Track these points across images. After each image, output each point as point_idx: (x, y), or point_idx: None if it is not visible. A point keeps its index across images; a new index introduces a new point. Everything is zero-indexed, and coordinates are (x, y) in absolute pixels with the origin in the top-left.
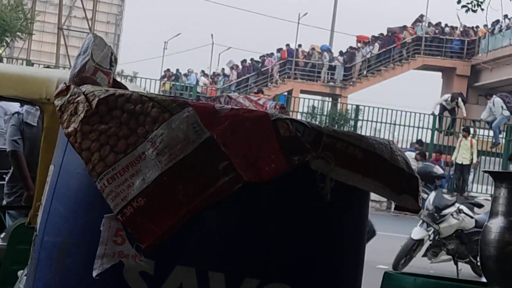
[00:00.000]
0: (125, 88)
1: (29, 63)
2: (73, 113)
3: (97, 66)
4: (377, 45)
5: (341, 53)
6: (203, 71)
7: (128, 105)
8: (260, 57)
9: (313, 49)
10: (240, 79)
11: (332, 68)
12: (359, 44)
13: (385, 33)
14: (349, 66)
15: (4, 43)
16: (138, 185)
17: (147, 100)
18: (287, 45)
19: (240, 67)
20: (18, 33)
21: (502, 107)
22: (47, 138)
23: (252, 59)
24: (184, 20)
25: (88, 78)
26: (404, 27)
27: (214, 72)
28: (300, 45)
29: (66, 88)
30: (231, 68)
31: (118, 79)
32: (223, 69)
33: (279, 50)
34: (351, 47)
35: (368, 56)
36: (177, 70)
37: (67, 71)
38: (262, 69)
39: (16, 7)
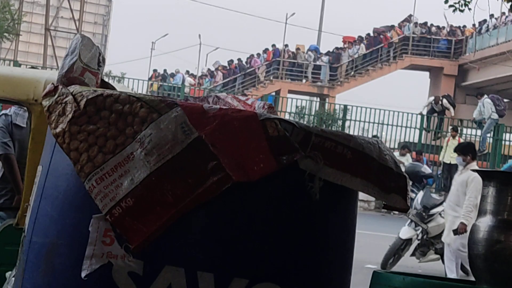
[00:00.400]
0: (113, 88)
1: (16, 64)
2: (61, 114)
3: (85, 67)
4: (363, 46)
5: (327, 53)
6: (188, 71)
7: (116, 106)
8: (247, 58)
9: (298, 49)
10: (226, 80)
11: (319, 68)
12: (345, 45)
13: (371, 33)
14: (336, 66)
15: None
16: (126, 186)
17: (135, 100)
18: (273, 45)
19: (228, 67)
20: (5, 34)
21: (491, 110)
22: (35, 139)
23: (239, 59)
24: (171, 21)
25: (76, 78)
26: (392, 27)
27: (202, 73)
28: (286, 45)
29: (54, 88)
30: (217, 69)
31: (106, 79)
32: (209, 69)
33: (265, 51)
34: (337, 48)
35: (356, 56)
36: (165, 70)
37: (54, 71)
38: (248, 70)
39: (2, 8)
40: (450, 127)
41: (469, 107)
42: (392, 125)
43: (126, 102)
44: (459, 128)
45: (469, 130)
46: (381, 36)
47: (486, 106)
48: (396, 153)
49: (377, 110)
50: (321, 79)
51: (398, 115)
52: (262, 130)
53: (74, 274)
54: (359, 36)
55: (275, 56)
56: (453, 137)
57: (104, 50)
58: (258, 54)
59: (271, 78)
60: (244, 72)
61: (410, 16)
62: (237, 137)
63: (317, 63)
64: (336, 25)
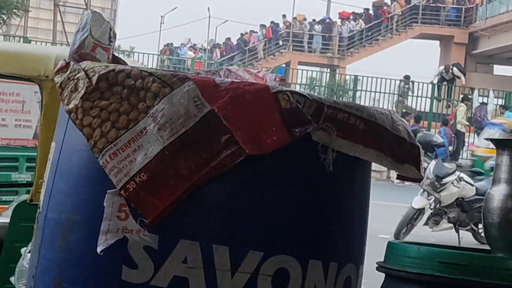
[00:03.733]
0: (124, 63)
1: (26, 40)
2: (74, 90)
3: (96, 42)
4: (361, 22)
5: (318, 22)
6: (193, 44)
7: (128, 81)
8: (243, 34)
9: (294, 18)
10: (224, 58)
11: (328, 39)
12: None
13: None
14: (348, 36)
15: (1, 21)
16: (140, 160)
17: (147, 75)
18: (272, 22)
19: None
20: (14, 10)
21: None
22: (47, 115)
23: (242, 35)
24: None
25: (88, 54)
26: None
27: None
28: (284, 16)
29: (65, 64)
30: (213, 47)
31: (116, 54)
32: (213, 44)
33: (263, 26)
34: (330, 20)
35: (350, 33)
36: (171, 44)
37: (65, 47)
38: (247, 47)
39: None
40: (461, 96)
41: (480, 75)
42: (403, 95)
43: (138, 77)
44: (469, 97)
45: (480, 98)
46: (381, 10)
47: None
48: None
49: (388, 80)
50: (331, 49)
51: (410, 84)
52: (274, 103)
53: (90, 249)
54: (353, 13)
55: (274, 32)
56: (466, 105)
57: (113, 24)
58: (254, 31)
59: (277, 52)
60: (242, 49)
61: None
62: (250, 110)
63: (312, 33)
64: None
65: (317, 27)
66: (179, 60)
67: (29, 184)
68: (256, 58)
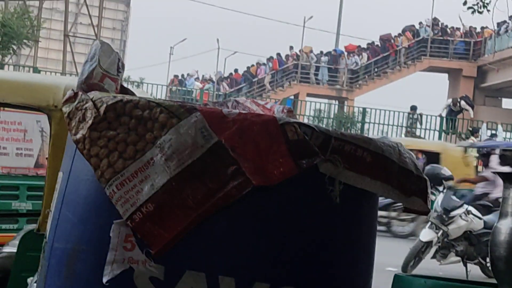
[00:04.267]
0: (132, 94)
1: (36, 70)
2: (81, 120)
3: (105, 73)
4: (365, 55)
5: (325, 54)
6: (200, 76)
7: (136, 111)
8: (249, 67)
9: (300, 50)
10: (231, 90)
11: (335, 71)
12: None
13: (379, 41)
14: (356, 69)
15: (11, 51)
16: (147, 191)
17: (155, 105)
18: (278, 54)
19: (233, 75)
20: (24, 41)
21: None
22: (55, 145)
23: (248, 68)
24: (189, 25)
25: (96, 84)
26: (402, 33)
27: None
28: (292, 47)
29: (74, 94)
30: (220, 79)
31: (125, 85)
32: (220, 76)
33: (270, 59)
34: (336, 52)
35: (356, 67)
36: (182, 75)
37: (74, 77)
38: (254, 80)
39: (22, 15)
40: (470, 128)
41: (488, 109)
42: (411, 127)
43: (145, 107)
44: (478, 130)
45: (488, 131)
46: (388, 43)
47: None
48: None
49: (396, 112)
50: (339, 81)
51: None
52: (281, 134)
53: (96, 279)
54: (359, 46)
55: (281, 64)
56: (476, 138)
57: (122, 55)
58: (263, 64)
59: (286, 83)
60: (249, 82)
61: (426, 19)
62: (257, 141)
63: (318, 64)
64: (354, 28)
65: (323, 59)
66: (187, 91)
67: (30, 213)
68: (264, 90)
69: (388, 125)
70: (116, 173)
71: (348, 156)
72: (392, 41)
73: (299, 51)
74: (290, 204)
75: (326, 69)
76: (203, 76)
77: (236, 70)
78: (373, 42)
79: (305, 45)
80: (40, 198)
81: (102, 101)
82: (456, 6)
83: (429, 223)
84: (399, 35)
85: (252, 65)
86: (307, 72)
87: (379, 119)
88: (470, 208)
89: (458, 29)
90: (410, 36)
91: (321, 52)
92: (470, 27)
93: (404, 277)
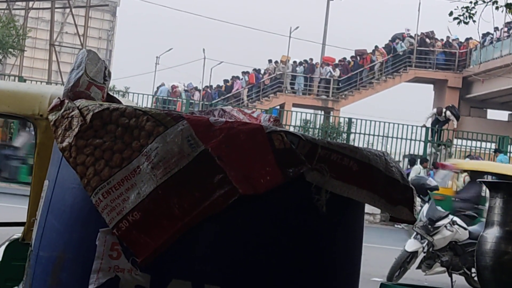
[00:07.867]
0: (119, 102)
1: (21, 79)
2: (68, 128)
3: (91, 81)
4: (338, 70)
5: (301, 63)
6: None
7: (122, 119)
8: (226, 81)
9: (276, 62)
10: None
11: (328, 82)
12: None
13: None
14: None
15: None
16: (133, 199)
17: (141, 114)
18: (254, 69)
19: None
20: (10, 50)
21: None
22: (40, 154)
23: (225, 81)
24: (176, 35)
25: (82, 92)
26: (375, 49)
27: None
28: (270, 60)
29: (60, 103)
30: (193, 89)
31: (110, 93)
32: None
33: (245, 73)
34: (311, 60)
35: (328, 76)
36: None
37: (59, 86)
38: (231, 93)
39: (7, 24)
40: (455, 139)
41: (474, 120)
42: (397, 137)
43: (132, 115)
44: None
45: (473, 142)
46: (362, 58)
47: None
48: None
49: (382, 123)
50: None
51: (403, 128)
52: (268, 143)
53: None
54: (339, 60)
55: (257, 79)
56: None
57: (109, 64)
58: (239, 77)
59: (272, 94)
60: (224, 96)
61: (407, 30)
62: (243, 150)
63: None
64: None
65: (299, 69)
66: (169, 100)
67: None
68: (242, 103)
69: (374, 135)
70: (102, 181)
71: (335, 165)
72: (377, 53)
73: (276, 62)
74: (277, 213)
75: (302, 78)
76: (176, 86)
77: (210, 87)
78: (344, 58)
79: (284, 54)
80: None
81: (89, 109)
82: (443, 17)
83: (414, 233)
84: (373, 52)
85: (231, 79)
86: (281, 82)
87: (364, 129)
88: (455, 218)
89: (439, 40)
90: (383, 51)
91: (295, 62)
92: (448, 37)
93: (390, 286)
